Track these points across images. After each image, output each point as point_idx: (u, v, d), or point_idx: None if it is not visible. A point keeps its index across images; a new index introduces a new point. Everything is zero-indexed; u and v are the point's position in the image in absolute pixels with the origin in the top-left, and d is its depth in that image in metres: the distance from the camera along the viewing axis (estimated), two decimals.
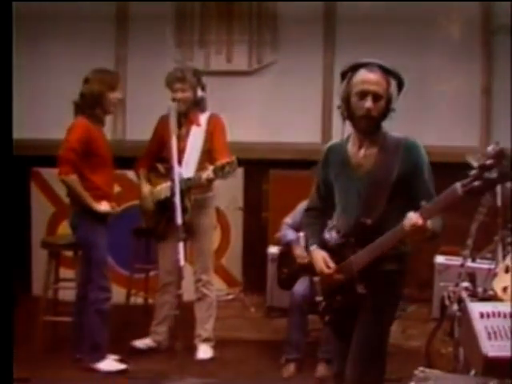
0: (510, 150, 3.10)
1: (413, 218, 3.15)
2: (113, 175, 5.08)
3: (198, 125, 5.16)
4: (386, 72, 3.37)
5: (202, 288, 5.23)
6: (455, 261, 5.32)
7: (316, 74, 6.67)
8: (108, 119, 5.19)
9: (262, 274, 6.06)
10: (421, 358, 4.62)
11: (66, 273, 5.40)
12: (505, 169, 2.97)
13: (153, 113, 5.37)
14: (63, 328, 5.14)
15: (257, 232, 6.53)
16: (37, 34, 6.60)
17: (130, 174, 5.72)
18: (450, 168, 4.27)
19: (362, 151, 3.42)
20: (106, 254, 5.00)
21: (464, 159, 4.00)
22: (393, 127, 3.47)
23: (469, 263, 4.62)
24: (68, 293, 5.21)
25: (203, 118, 5.17)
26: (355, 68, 3.40)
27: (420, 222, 3.13)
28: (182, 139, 5.08)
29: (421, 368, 3.64)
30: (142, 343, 5.26)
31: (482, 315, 3.31)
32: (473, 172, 3.01)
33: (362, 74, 3.36)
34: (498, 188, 4.60)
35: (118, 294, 5.46)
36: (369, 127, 3.38)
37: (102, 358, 4.92)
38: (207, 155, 5.11)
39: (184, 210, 4.77)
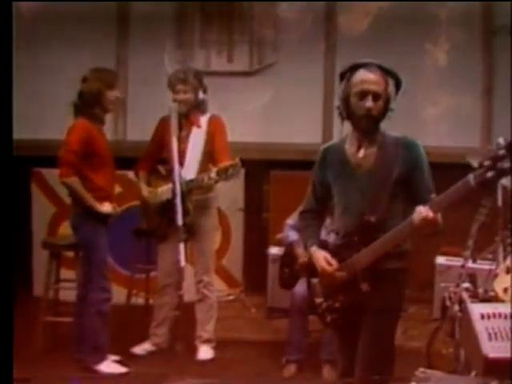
0: None
1: (422, 211, 3.15)
2: (114, 175, 5.08)
3: (199, 126, 5.15)
4: (385, 72, 3.39)
5: (203, 289, 5.23)
6: (456, 261, 5.32)
7: (317, 75, 6.67)
8: (109, 119, 5.20)
9: (263, 275, 6.05)
10: (421, 358, 4.62)
11: (66, 273, 5.40)
12: None
13: (153, 113, 5.37)
14: (63, 328, 5.14)
15: (257, 233, 6.53)
16: (38, 34, 6.61)
17: (131, 174, 5.71)
18: (450, 169, 4.27)
19: (362, 151, 3.43)
20: (106, 255, 5.00)
21: (464, 160, 4.01)
22: (393, 127, 3.48)
23: (470, 264, 4.62)
24: (69, 293, 5.21)
25: (204, 120, 5.17)
26: (354, 68, 3.41)
27: (430, 214, 3.13)
28: (183, 141, 5.08)
29: (421, 369, 3.64)
30: (140, 349, 5.25)
31: (482, 316, 3.31)
32: (486, 163, 3.00)
33: (362, 74, 3.37)
34: (499, 189, 4.60)
35: (118, 294, 5.45)
36: (369, 127, 3.40)
37: (102, 358, 4.92)
38: (208, 157, 5.11)
39: (185, 212, 4.78)
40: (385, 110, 3.38)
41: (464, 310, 3.82)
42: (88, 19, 6.53)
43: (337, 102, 3.48)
